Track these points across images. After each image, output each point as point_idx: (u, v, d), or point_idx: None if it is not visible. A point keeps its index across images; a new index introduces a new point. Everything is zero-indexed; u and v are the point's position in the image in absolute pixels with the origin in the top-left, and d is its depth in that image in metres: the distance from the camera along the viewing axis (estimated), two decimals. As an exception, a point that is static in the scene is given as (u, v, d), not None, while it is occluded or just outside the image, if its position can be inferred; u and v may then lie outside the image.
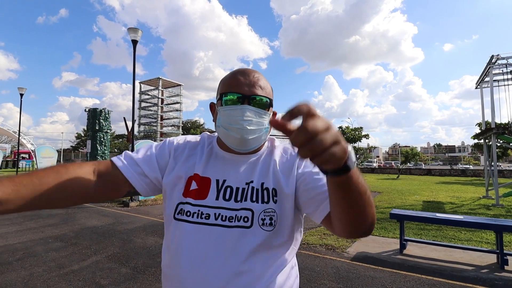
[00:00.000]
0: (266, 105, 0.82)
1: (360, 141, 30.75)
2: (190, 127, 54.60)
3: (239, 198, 0.81)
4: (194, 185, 0.83)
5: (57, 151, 19.12)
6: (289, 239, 0.83)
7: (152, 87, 19.93)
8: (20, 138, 21.68)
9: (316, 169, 0.78)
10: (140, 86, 19.98)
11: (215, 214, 0.80)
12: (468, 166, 37.95)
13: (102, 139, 25.61)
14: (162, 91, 18.83)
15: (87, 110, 26.25)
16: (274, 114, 0.89)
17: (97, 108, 25.91)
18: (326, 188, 0.69)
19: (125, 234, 5.51)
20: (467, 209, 8.53)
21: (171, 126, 20.18)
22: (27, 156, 31.52)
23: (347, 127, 30.36)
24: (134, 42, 9.68)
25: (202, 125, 61.19)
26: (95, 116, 25.25)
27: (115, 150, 50.75)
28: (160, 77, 18.95)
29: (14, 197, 0.65)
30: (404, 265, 3.97)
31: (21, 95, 18.06)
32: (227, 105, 0.81)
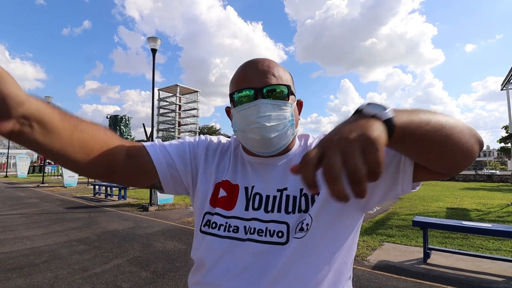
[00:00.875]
0: (284, 94, 0.70)
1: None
2: (206, 133, 55.34)
3: (269, 208, 0.70)
4: (222, 193, 0.75)
5: (80, 156, 19.79)
6: (331, 242, 0.69)
7: (170, 94, 20.37)
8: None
9: None
10: (159, 93, 20.50)
11: (244, 227, 0.70)
12: (494, 171, 36.18)
13: (122, 145, 26.53)
14: (180, 97, 19.21)
15: (108, 117, 27.29)
16: (300, 103, 0.79)
17: (118, 115, 26.93)
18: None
19: (145, 238, 5.62)
20: (494, 217, 8.11)
21: (188, 131, 20.51)
22: (52, 161, 32.89)
23: (365, 132, 29.75)
24: (154, 51, 9.97)
25: (218, 130, 61.91)
26: (116, 123, 26.20)
27: (134, 155, 52.08)
28: (178, 84, 19.40)
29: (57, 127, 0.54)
30: (428, 275, 3.81)
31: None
32: (240, 104, 0.71)
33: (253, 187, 0.74)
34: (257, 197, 0.72)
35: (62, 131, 0.54)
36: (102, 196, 12.14)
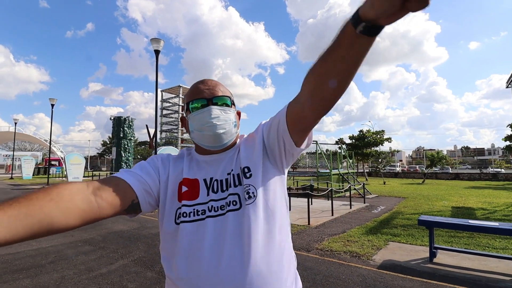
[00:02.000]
0: (228, 103, 0.95)
1: (382, 145, 29.90)
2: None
3: (224, 188, 0.89)
4: (184, 188, 0.91)
5: (85, 158, 19.96)
6: (275, 206, 0.89)
7: (173, 95, 20.39)
8: (51, 146, 22.90)
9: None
10: (162, 94, 20.55)
11: (208, 207, 0.87)
12: (499, 169, 35.83)
13: (126, 146, 26.62)
14: (183, 98, 19.22)
15: (112, 118, 27.41)
16: (239, 113, 1.02)
17: (121, 116, 27.00)
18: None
19: (150, 238, 5.64)
20: (500, 215, 8.04)
21: (191, 132, 20.52)
22: (57, 163, 33.19)
23: (368, 131, 29.60)
24: (157, 52, 10.00)
25: (221, 131, 61.76)
26: (119, 124, 26.30)
27: (138, 156, 52.30)
28: (181, 85, 19.37)
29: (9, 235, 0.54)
30: (435, 275, 3.79)
31: (52, 105, 19.10)
32: (196, 110, 0.92)
33: (211, 178, 0.92)
34: (215, 182, 0.91)
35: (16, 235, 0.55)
36: (107, 197, 12.19)
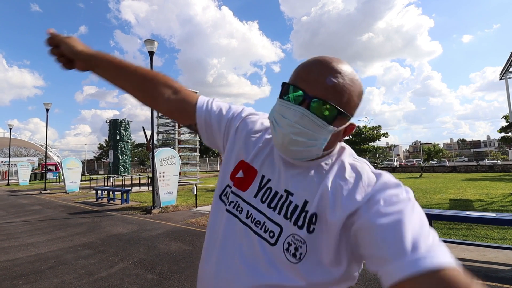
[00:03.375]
0: (330, 116, 0.62)
1: (379, 140, 30.04)
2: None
3: (273, 205, 0.70)
4: (240, 173, 0.77)
5: (82, 162, 19.84)
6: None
7: (169, 96, 20.27)
8: (47, 151, 22.74)
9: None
10: (157, 95, 20.44)
11: (247, 212, 0.72)
12: (495, 161, 36.16)
13: (123, 148, 26.51)
14: (178, 99, 19.09)
15: (108, 121, 27.26)
16: (351, 128, 0.69)
17: (118, 119, 26.87)
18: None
19: (149, 240, 5.63)
20: (497, 206, 8.11)
21: (188, 133, 20.48)
22: (53, 168, 32.99)
23: (365, 126, 29.70)
24: (151, 53, 9.95)
25: (218, 131, 61.83)
26: (115, 127, 26.19)
27: (136, 159, 52.20)
28: (176, 85, 19.25)
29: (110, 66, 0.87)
30: (434, 267, 3.80)
31: (47, 110, 18.96)
32: (286, 99, 0.65)
33: (269, 180, 0.73)
34: (268, 191, 0.72)
35: (116, 72, 0.87)
36: (105, 200, 12.15)
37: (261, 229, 0.69)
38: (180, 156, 13.02)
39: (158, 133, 20.23)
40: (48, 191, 17.62)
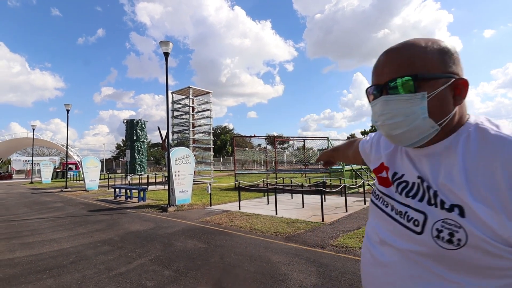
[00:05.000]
0: (408, 86, 0.63)
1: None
2: (220, 133, 55.76)
3: (411, 194, 0.70)
4: (383, 173, 0.83)
5: (100, 161, 20.45)
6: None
7: (183, 96, 20.58)
8: (67, 150, 23.56)
9: None
10: (172, 96, 20.78)
11: (392, 206, 0.75)
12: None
13: (139, 148, 27.12)
14: (193, 99, 19.37)
15: (125, 121, 27.94)
16: (458, 84, 0.65)
17: (134, 119, 27.49)
18: None
19: (166, 238, 5.74)
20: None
21: (202, 132, 20.69)
22: (74, 167, 34.14)
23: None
24: (166, 54, 10.12)
25: (231, 130, 62.31)
26: (132, 127, 26.80)
27: (152, 158, 53.23)
28: (190, 86, 19.53)
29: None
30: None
31: (67, 111, 19.64)
32: (370, 100, 0.73)
33: (402, 174, 0.76)
34: (403, 182, 0.74)
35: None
36: (123, 198, 12.48)
37: (404, 219, 0.70)
38: (194, 155, 13.18)
39: (173, 132, 20.56)
40: (69, 189, 18.27)
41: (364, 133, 29.47)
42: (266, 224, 6.46)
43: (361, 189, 12.44)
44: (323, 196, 7.36)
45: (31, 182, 27.23)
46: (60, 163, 44.12)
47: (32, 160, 32.83)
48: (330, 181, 13.23)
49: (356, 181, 13.68)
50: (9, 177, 37.02)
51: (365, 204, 8.85)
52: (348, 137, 39.87)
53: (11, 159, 44.65)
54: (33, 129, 28.16)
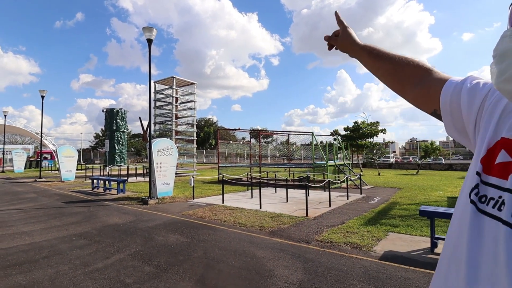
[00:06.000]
0: None
1: (376, 136, 30.07)
2: (203, 125, 55.08)
3: None
4: (502, 156, 0.54)
5: (77, 151, 19.61)
6: None
7: (167, 86, 20.04)
8: (42, 139, 22.42)
9: None
10: (155, 85, 20.16)
11: None
12: (491, 160, 36.39)
13: (119, 138, 26.24)
14: (176, 90, 18.90)
15: (104, 110, 26.91)
16: None
17: (114, 108, 26.53)
18: None
19: (146, 231, 5.54)
20: (496, 205, 8.12)
21: (185, 124, 20.29)
22: (49, 156, 32.63)
23: (363, 122, 29.66)
24: (149, 41, 9.71)
25: (215, 123, 61.65)
26: (112, 116, 25.86)
27: (132, 149, 51.87)
28: (174, 76, 19.02)
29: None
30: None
31: (42, 97, 18.61)
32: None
33: None
34: None
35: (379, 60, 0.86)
36: (101, 190, 12.02)
37: None
38: (177, 147, 12.87)
39: (155, 123, 20.00)
40: (43, 179, 17.43)
41: (347, 129, 29.89)
42: (250, 218, 6.39)
43: (344, 185, 12.68)
44: (307, 191, 7.36)
45: (2, 171, 25.81)
46: (34, 152, 42.07)
47: (4, 148, 31.07)
48: (314, 176, 13.34)
49: (338, 177, 13.88)
50: (-22, 165, 34.92)
51: (347, 199, 8.96)
52: (331, 133, 40.48)
53: (-20, 147, 42.10)
54: (5, 116, 26.55)
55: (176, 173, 12.05)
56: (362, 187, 11.18)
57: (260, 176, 14.87)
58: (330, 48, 1.03)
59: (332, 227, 5.60)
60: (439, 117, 0.71)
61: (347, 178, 9.87)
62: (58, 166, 17.76)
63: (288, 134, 19.75)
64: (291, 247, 4.53)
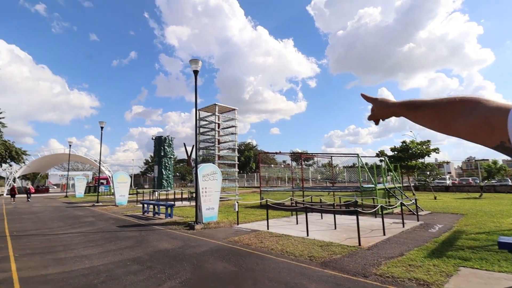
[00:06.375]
0: None
1: (428, 156, 27.77)
2: (244, 149, 56.02)
3: None
4: None
5: (129, 176, 21.03)
6: None
7: (209, 113, 20.97)
8: (100, 165, 24.55)
9: None
10: (199, 113, 21.21)
11: None
12: None
13: (166, 164, 27.70)
14: (219, 116, 19.66)
15: (153, 138, 28.83)
16: None
17: (162, 136, 28.27)
18: None
19: (194, 258, 5.55)
20: None
21: (227, 149, 20.81)
22: (105, 181, 35.48)
23: (412, 141, 27.72)
24: (195, 72, 10.34)
25: (255, 146, 62.46)
26: (160, 143, 27.55)
27: (177, 174, 54.28)
28: (216, 103, 19.89)
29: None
30: (528, 311, 3.16)
31: (101, 128, 20.60)
32: None
33: None
34: None
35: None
36: (150, 214, 12.57)
37: None
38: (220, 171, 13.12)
39: (199, 149, 20.82)
40: (100, 204, 18.83)
41: (394, 149, 28.21)
42: (298, 247, 6.10)
43: (396, 210, 11.68)
44: (357, 217, 6.88)
45: (66, 196, 28.50)
46: (92, 178, 46.10)
47: (68, 175, 34.56)
48: (362, 200, 12.56)
49: (389, 201, 12.89)
50: (46, 190, 39.13)
51: (403, 226, 8.20)
52: (377, 154, 38.35)
53: (49, 174, 47.37)
54: (70, 145, 29.78)
55: (219, 198, 12.20)
56: (419, 213, 10.19)
57: (303, 200, 14.42)
58: (377, 123, 1.09)
59: (391, 259, 5.09)
60: (508, 150, 0.62)
61: (401, 203, 9.08)
62: (113, 191, 19.12)
63: (331, 156, 19.13)
64: (347, 281, 4.17)
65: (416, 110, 0.85)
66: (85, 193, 30.85)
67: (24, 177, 42.96)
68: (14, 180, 33.75)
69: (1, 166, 29.93)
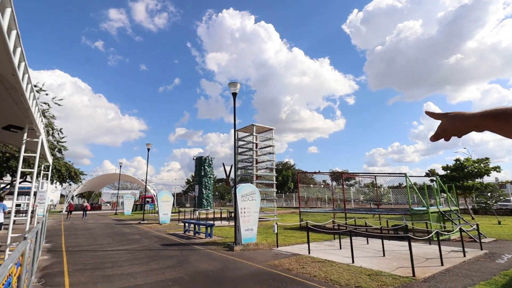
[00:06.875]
0: None
1: (488, 175, 24.88)
2: (281, 169, 55.54)
3: None
4: None
5: (172, 195, 21.90)
6: None
7: (247, 134, 21.34)
8: (146, 185, 25.99)
9: None
10: (237, 133, 21.69)
11: None
12: None
13: (206, 183, 28.45)
14: (256, 136, 19.90)
15: (194, 158, 29.98)
16: None
17: (202, 156, 29.26)
18: None
19: (234, 282, 5.44)
20: None
21: (264, 168, 20.80)
22: (150, 200, 37.37)
23: (467, 159, 25.17)
24: (234, 95, 10.67)
25: (292, 166, 61.62)
26: (200, 163, 28.51)
27: (216, 193, 55.33)
28: (254, 123, 20.22)
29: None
30: None
31: (148, 149, 21.98)
32: None
33: None
34: None
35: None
36: (191, 233, 12.81)
37: None
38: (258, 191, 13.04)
39: (237, 169, 21.08)
40: (146, 222, 19.73)
41: (446, 168, 25.89)
42: (344, 275, 5.69)
43: (454, 236, 10.48)
44: (410, 244, 6.27)
45: (115, 213, 30.43)
46: (139, 196, 48.87)
47: (118, 193, 37.09)
48: (412, 224, 11.51)
49: (444, 226, 11.63)
50: (99, 208, 42.24)
51: (464, 256, 7.28)
52: (427, 173, 35.43)
53: (102, 192, 51.31)
54: (120, 166, 32.13)
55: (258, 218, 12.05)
56: (482, 240, 9.01)
57: (346, 223, 13.65)
58: (447, 139, 0.94)
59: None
60: None
61: (460, 228, 8.13)
62: (157, 209, 19.96)
63: (375, 176, 18.06)
64: (400, 317, 3.73)
65: (510, 119, 0.72)
66: (132, 210, 32.68)
67: (80, 195, 47.04)
68: (72, 198, 37.06)
69: (62, 185, 33.13)
